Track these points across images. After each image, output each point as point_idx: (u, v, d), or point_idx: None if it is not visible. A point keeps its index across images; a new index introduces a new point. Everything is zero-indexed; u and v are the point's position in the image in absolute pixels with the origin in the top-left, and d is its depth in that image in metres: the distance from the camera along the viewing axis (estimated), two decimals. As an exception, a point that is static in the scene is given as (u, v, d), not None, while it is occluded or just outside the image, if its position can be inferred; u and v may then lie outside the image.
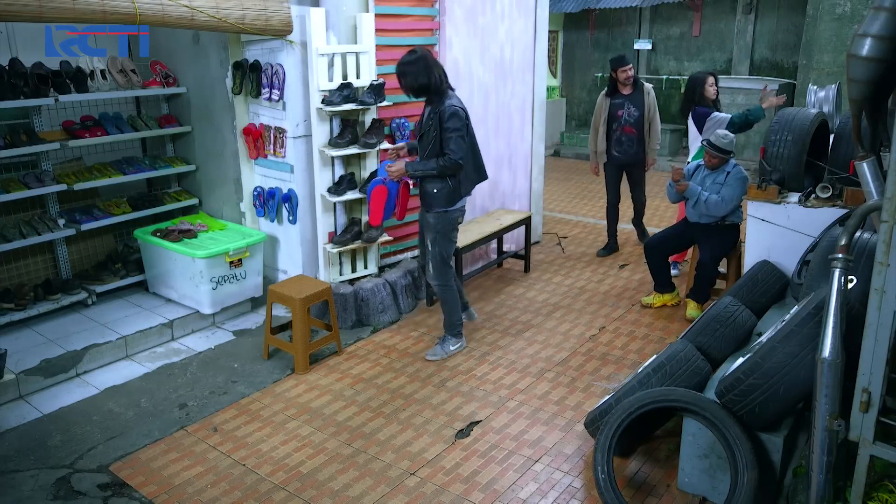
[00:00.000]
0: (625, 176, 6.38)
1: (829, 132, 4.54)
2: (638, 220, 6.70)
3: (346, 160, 4.94)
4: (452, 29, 5.29)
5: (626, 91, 6.02)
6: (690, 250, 5.34)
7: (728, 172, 4.76)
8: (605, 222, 7.58)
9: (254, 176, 5.28)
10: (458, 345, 4.56)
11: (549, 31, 7.17)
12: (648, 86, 6.06)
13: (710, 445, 2.84)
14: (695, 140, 5.50)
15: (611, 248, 6.59)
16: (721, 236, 4.80)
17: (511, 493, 3.16)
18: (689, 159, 5.54)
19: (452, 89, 4.20)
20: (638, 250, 6.51)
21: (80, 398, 3.99)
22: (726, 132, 4.85)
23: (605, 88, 6.14)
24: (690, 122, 5.47)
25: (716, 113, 5.36)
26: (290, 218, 5.05)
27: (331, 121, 4.79)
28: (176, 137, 5.61)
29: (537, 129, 6.46)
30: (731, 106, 9.49)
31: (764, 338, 2.93)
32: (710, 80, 5.40)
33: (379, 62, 4.92)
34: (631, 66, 6.04)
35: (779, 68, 10.11)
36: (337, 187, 4.81)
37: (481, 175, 4.42)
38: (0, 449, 3.51)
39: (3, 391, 3.90)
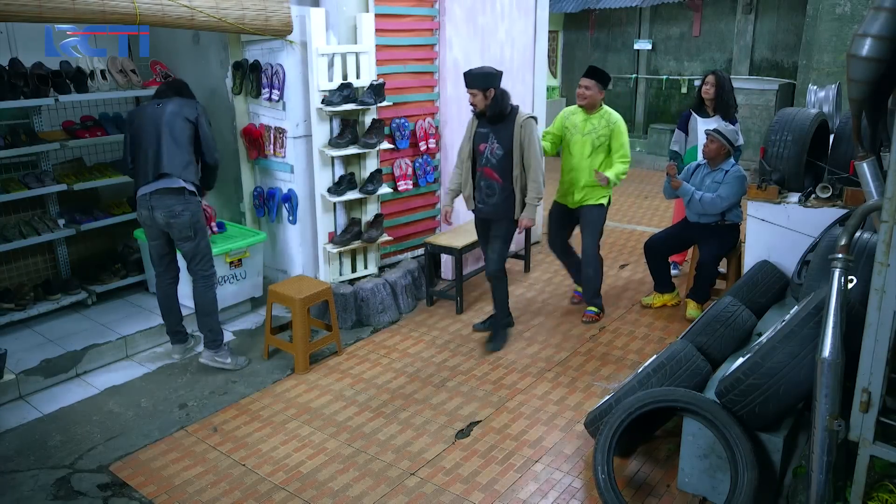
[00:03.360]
0: None
1: (829, 132, 4.54)
2: (497, 316, 4.64)
3: (346, 160, 4.94)
4: (452, 29, 5.29)
5: (494, 120, 4.28)
6: (690, 250, 5.34)
7: (727, 171, 4.75)
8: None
9: (254, 176, 5.28)
10: (229, 359, 4.30)
11: (549, 31, 7.17)
12: (524, 115, 4.24)
13: (710, 445, 2.84)
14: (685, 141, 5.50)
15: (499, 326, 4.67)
16: (721, 236, 4.80)
17: (511, 493, 3.16)
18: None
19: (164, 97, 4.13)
20: (638, 250, 6.51)
21: (80, 398, 3.99)
22: (737, 128, 4.88)
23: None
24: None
25: (693, 123, 5.31)
26: (290, 218, 5.05)
27: (331, 121, 4.80)
28: (176, 137, 5.60)
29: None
30: (731, 106, 9.49)
31: (764, 338, 2.93)
32: (708, 78, 5.25)
33: (379, 62, 4.93)
34: (487, 89, 4.13)
35: (779, 68, 10.11)
36: (337, 187, 4.81)
37: (138, 182, 4.06)
38: (0, 449, 3.51)
39: (3, 391, 3.90)
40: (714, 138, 4.70)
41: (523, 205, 4.37)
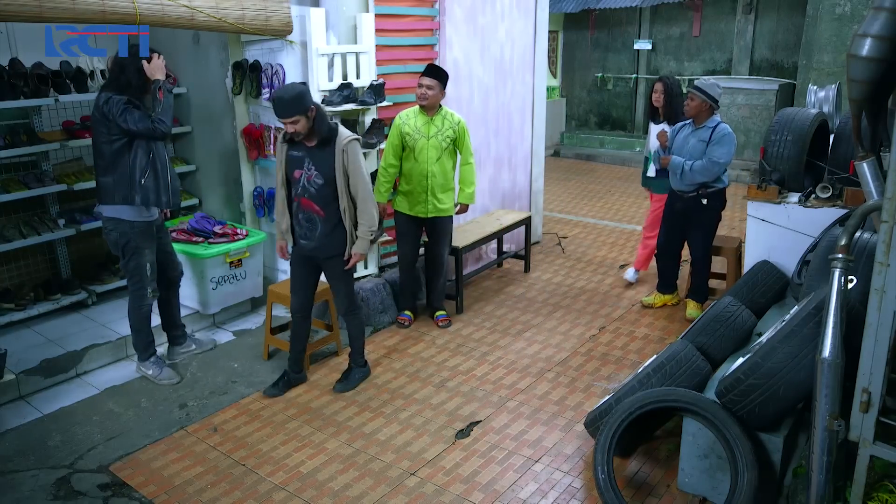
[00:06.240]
0: None
1: (829, 132, 4.54)
2: (351, 355, 4.16)
3: (346, 160, 4.93)
4: (452, 29, 5.30)
5: (310, 142, 3.68)
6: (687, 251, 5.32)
7: (712, 129, 4.56)
8: (605, 222, 7.58)
9: (254, 176, 5.28)
10: (151, 370, 4.14)
11: (549, 31, 7.17)
12: (347, 137, 3.67)
13: (710, 445, 2.84)
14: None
15: (290, 382, 4.08)
16: (706, 213, 4.69)
17: (511, 493, 3.16)
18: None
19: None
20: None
21: (80, 398, 3.99)
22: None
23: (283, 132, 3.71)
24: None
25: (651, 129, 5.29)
26: (290, 218, 5.04)
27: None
28: (176, 137, 5.61)
29: (537, 129, 6.46)
30: (731, 106, 9.51)
31: (764, 338, 2.93)
32: (657, 86, 5.13)
33: (379, 62, 4.93)
34: (307, 110, 3.53)
35: (779, 68, 10.12)
36: (337, 187, 4.80)
37: None
38: (0, 449, 3.51)
39: (3, 391, 3.90)
40: (694, 95, 4.54)
41: (354, 238, 3.82)
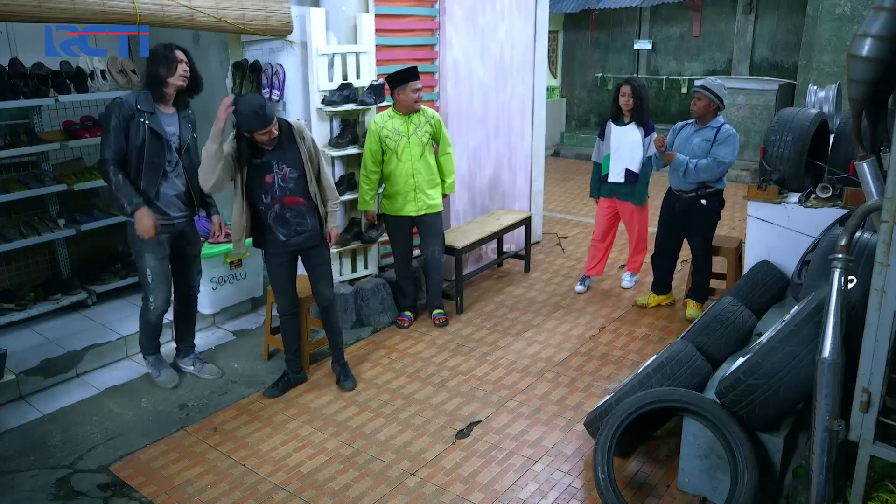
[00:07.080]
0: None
1: (829, 132, 4.54)
2: (338, 348, 4.16)
3: (347, 160, 4.94)
4: (452, 29, 5.30)
5: (269, 145, 3.65)
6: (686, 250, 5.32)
7: (717, 129, 4.55)
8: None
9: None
10: (151, 370, 4.17)
11: (549, 31, 7.17)
12: (299, 124, 3.79)
13: (710, 446, 2.84)
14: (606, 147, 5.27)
15: (290, 382, 4.12)
16: (706, 213, 4.69)
17: (511, 493, 3.16)
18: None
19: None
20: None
21: (80, 398, 3.99)
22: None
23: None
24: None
25: (608, 131, 5.18)
26: (290, 218, 5.04)
27: (331, 121, 4.80)
28: (176, 137, 5.60)
29: (537, 129, 6.46)
30: (731, 106, 9.51)
31: (764, 338, 2.93)
32: (624, 89, 5.02)
33: (379, 62, 4.93)
34: (272, 123, 3.55)
35: (779, 68, 10.12)
36: (337, 187, 4.80)
37: None
38: (0, 449, 3.51)
39: (3, 391, 3.90)
40: (702, 95, 4.52)
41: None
